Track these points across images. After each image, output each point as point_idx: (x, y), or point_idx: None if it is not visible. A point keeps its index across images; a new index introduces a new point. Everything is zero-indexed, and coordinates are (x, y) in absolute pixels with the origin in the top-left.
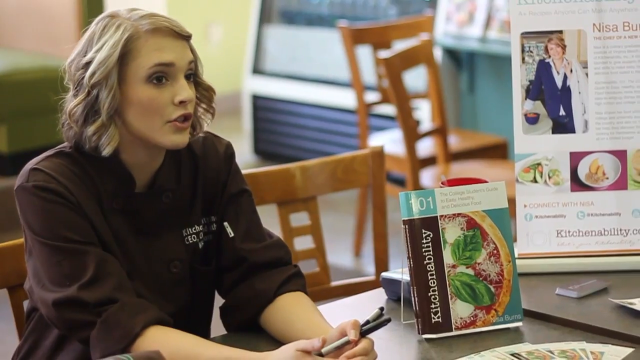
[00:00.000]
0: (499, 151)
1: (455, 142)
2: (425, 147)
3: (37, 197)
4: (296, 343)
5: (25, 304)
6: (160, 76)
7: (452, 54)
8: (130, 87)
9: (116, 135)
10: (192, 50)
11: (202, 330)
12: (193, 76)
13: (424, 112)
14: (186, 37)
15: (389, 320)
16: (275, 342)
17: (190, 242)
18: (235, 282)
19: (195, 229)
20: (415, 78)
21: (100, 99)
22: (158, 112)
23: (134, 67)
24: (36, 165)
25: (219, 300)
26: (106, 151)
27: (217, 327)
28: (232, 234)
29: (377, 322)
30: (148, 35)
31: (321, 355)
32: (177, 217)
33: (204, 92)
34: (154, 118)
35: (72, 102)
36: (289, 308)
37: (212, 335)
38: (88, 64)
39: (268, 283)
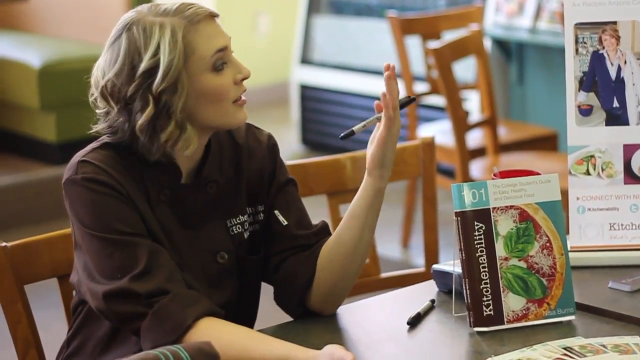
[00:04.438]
0: (549, 143)
1: (504, 133)
2: (475, 138)
3: (86, 190)
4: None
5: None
6: (222, 62)
7: (501, 45)
8: (196, 81)
9: (195, 136)
10: None
11: (248, 321)
12: None
13: (473, 103)
14: (218, 16)
15: (414, 99)
16: (327, 333)
17: (236, 232)
18: (281, 262)
19: (239, 219)
20: (465, 69)
21: (172, 103)
22: (226, 96)
23: (195, 61)
24: (84, 157)
25: (265, 294)
26: (188, 151)
27: (263, 319)
28: (286, 222)
29: (405, 100)
30: (197, 26)
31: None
32: (221, 207)
33: None
34: (223, 103)
35: (139, 118)
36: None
37: (258, 327)
38: (148, 72)
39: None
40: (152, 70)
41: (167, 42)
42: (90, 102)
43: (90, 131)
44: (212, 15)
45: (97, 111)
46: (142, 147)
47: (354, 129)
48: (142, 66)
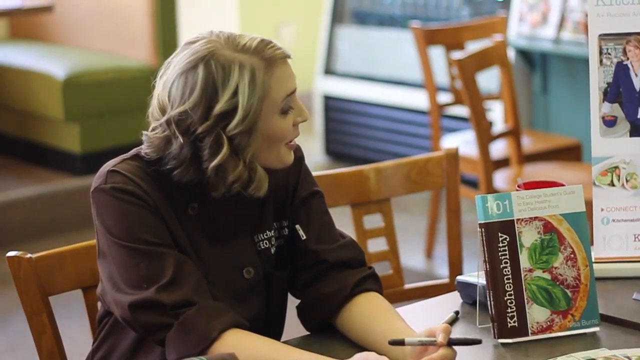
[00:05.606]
0: (573, 153)
1: (528, 143)
2: (498, 148)
3: (115, 199)
4: (368, 354)
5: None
6: (289, 105)
7: (525, 55)
8: (264, 123)
9: (265, 176)
10: None
11: (275, 336)
12: None
13: (496, 114)
14: (291, 57)
15: (479, 342)
16: (351, 345)
17: (263, 247)
18: (309, 282)
19: (266, 235)
20: (488, 79)
21: (245, 145)
22: (285, 139)
23: (268, 104)
24: (113, 167)
25: (290, 306)
26: (261, 193)
27: (288, 330)
28: (305, 237)
29: (468, 340)
30: (273, 68)
31: (402, 343)
32: (249, 223)
33: None
34: (280, 145)
35: (207, 156)
36: (367, 311)
37: (283, 338)
38: (224, 114)
39: (343, 282)
40: (229, 112)
41: (247, 85)
42: (147, 119)
43: (145, 151)
44: (287, 56)
45: (153, 133)
46: (207, 182)
47: (406, 340)
48: (219, 107)
